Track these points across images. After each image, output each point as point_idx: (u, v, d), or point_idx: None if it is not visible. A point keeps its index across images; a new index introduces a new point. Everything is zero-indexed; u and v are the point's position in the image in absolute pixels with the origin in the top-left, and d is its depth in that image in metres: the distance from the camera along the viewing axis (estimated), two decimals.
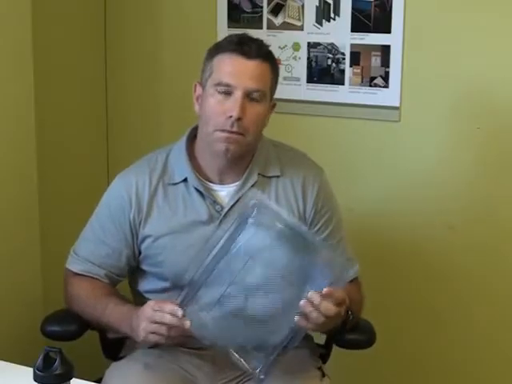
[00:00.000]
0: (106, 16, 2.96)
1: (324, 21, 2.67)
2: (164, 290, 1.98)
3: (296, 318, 1.75)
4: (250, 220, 1.78)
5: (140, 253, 2.01)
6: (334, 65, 2.69)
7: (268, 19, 2.75)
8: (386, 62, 2.61)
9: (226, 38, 2.01)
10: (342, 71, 2.68)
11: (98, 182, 2.71)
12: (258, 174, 2.01)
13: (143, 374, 1.91)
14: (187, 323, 1.75)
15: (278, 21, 2.74)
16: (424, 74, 2.59)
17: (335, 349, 2.13)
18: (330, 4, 2.65)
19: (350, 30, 2.64)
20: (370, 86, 2.64)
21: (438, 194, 2.63)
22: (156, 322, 1.77)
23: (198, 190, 1.97)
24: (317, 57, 2.71)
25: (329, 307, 1.74)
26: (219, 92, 1.90)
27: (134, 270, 2.06)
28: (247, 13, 2.77)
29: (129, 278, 2.10)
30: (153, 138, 2.92)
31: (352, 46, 2.65)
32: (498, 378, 2.65)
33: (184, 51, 2.87)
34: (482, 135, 2.55)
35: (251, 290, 1.79)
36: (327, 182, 2.10)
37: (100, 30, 2.96)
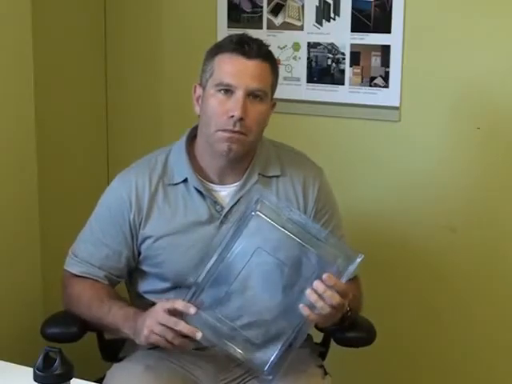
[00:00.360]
0: (105, 16, 2.96)
1: (324, 21, 2.67)
2: (164, 291, 1.97)
3: (300, 306, 1.76)
4: (254, 213, 1.79)
5: (140, 253, 2.01)
6: (333, 65, 2.69)
7: (268, 19, 2.75)
8: (386, 62, 2.61)
9: (225, 38, 2.01)
10: (342, 71, 2.68)
11: (98, 182, 2.71)
12: (259, 173, 2.01)
13: (144, 375, 1.91)
14: (199, 334, 1.76)
15: (277, 21, 2.74)
16: (424, 74, 2.59)
17: (336, 346, 2.13)
18: (329, 4, 2.65)
19: (349, 29, 2.64)
20: (370, 86, 2.64)
21: (437, 193, 2.63)
22: (166, 326, 1.77)
23: (198, 191, 1.97)
24: (317, 57, 2.71)
25: (334, 295, 1.75)
26: (220, 92, 1.91)
27: (133, 271, 2.05)
28: (247, 13, 2.77)
29: (127, 279, 2.09)
30: (153, 138, 2.92)
31: (352, 45, 2.65)
32: (498, 377, 2.66)
33: (184, 51, 2.87)
34: (481, 135, 2.55)
35: (256, 284, 1.81)
36: (327, 181, 2.11)
37: (100, 30, 2.96)
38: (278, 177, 2.03)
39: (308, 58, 2.72)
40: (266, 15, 2.75)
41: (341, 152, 2.73)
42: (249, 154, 1.99)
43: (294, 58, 2.74)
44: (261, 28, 2.75)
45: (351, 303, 1.89)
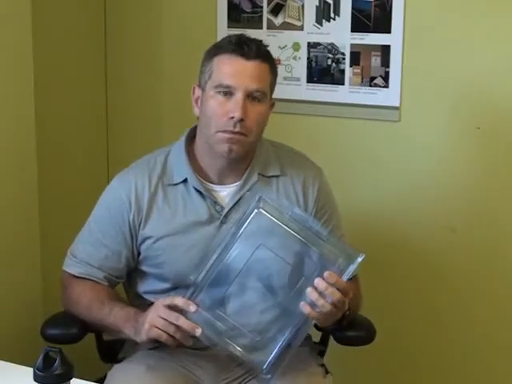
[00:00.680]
0: (105, 16, 2.96)
1: (324, 21, 2.67)
2: (164, 291, 1.97)
3: (301, 303, 1.76)
4: (256, 211, 1.80)
5: (139, 254, 2.01)
6: (333, 65, 2.69)
7: (268, 19, 2.75)
8: (386, 62, 2.61)
9: (224, 39, 2.00)
10: (342, 71, 2.68)
11: (98, 182, 2.70)
12: (258, 173, 2.01)
13: (146, 375, 1.91)
14: (198, 331, 1.76)
15: (278, 21, 2.74)
16: (424, 74, 2.59)
17: (335, 345, 2.14)
18: (329, 4, 2.65)
19: (349, 29, 2.64)
20: (370, 86, 2.64)
21: (437, 193, 2.63)
22: (167, 321, 1.78)
23: (198, 191, 1.97)
24: (317, 57, 2.71)
25: (335, 292, 1.76)
26: (220, 93, 1.91)
27: (132, 272, 2.05)
28: (247, 13, 2.77)
29: (126, 279, 2.09)
30: (153, 138, 2.92)
31: (352, 45, 2.65)
32: (498, 377, 2.66)
33: (184, 51, 2.87)
34: (481, 135, 2.55)
35: (256, 282, 1.82)
36: (327, 181, 2.11)
37: (100, 29, 2.96)
38: (277, 177, 2.03)
39: (308, 58, 2.72)
40: (265, 15, 2.75)
41: (341, 152, 2.73)
42: (248, 155, 2.00)
43: (294, 58, 2.74)
44: (261, 28, 2.75)
45: (351, 303, 1.89)
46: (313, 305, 1.77)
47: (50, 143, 2.68)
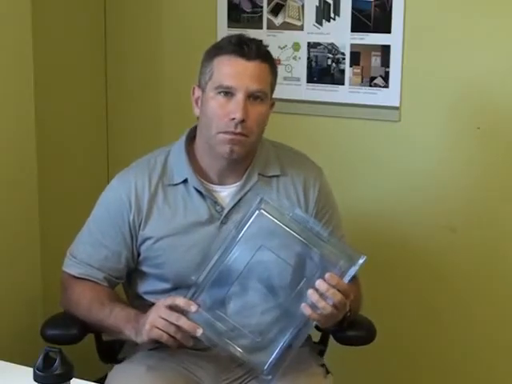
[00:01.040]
0: (105, 16, 2.96)
1: (324, 21, 2.67)
2: (164, 292, 1.97)
3: (302, 305, 1.76)
4: (258, 211, 1.80)
5: (139, 254, 2.01)
6: (333, 65, 2.69)
7: (268, 19, 2.75)
8: (386, 62, 2.61)
9: (223, 39, 2.00)
10: (342, 71, 2.68)
11: (98, 182, 2.70)
12: (258, 174, 2.01)
13: (147, 375, 1.91)
14: (199, 331, 1.76)
15: (278, 21, 2.74)
16: (424, 74, 2.59)
17: (336, 345, 2.14)
18: (329, 4, 2.65)
19: (349, 29, 2.64)
20: (370, 86, 2.64)
21: (437, 193, 2.63)
22: (167, 321, 1.78)
23: (198, 191, 1.97)
24: (317, 57, 2.71)
25: (336, 294, 1.76)
26: (220, 94, 1.90)
27: (132, 272, 2.05)
28: (247, 13, 2.77)
29: (125, 280, 2.08)
30: (153, 138, 2.92)
31: (352, 45, 2.65)
32: (498, 377, 2.66)
33: (184, 51, 2.87)
34: (481, 135, 2.55)
35: (257, 283, 1.82)
36: (327, 182, 2.11)
37: (100, 30, 2.96)
38: (278, 177, 2.03)
39: (308, 58, 2.72)
40: (265, 15, 2.75)
41: (341, 152, 2.73)
42: (249, 155, 1.99)
43: (294, 58, 2.74)
44: (261, 28, 2.75)
45: (351, 304, 1.89)
46: (314, 306, 1.77)
47: (50, 143, 2.68)
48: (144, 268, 2.02)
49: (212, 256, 1.82)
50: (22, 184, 2.46)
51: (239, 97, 1.89)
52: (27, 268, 2.49)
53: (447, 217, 2.62)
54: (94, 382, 1.72)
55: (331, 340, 2.15)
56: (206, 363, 1.97)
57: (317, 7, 2.68)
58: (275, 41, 2.70)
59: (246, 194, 1.97)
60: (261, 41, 1.98)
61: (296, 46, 2.73)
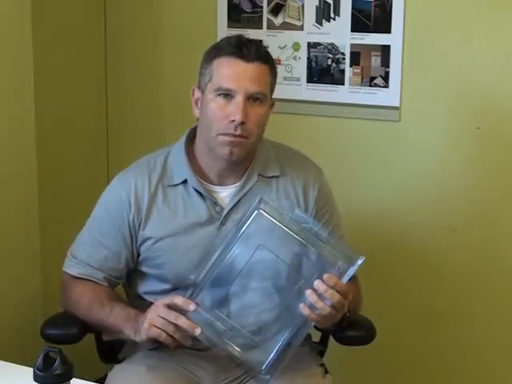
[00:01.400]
0: (105, 16, 2.96)
1: (324, 21, 2.67)
2: (164, 292, 1.97)
3: (301, 305, 1.77)
4: (257, 211, 1.80)
5: (139, 255, 2.01)
6: (333, 65, 2.69)
7: (268, 19, 2.75)
8: (386, 62, 2.61)
9: (222, 41, 1.99)
10: (342, 71, 2.68)
11: (97, 182, 2.70)
12: (258, 174, 2.01)
13: (147, 375, 1.91)
14: (198, 330, 1.76)
15: (278, 21, 2.74)
16: (424, 74, 2.59)
17: (335, 345, 2.14)
18: (329, 4, 2.65)
19: (350, 29, 2.64)
20: (370, 86, 2.64)
21: (437, 193, 2.63)
22: (166, 320, 1.78)
23: (198, 192, 1.97)
24: (317, 57, 2.71)
25: (334, 294, 1.76)
26: (220, 96, 1.90)
27: (132, 272, 2.05)
28: (247, 13, 2.77)
29: (125, 280, 2.08)
30: (153, 138, 2.92)
31: (352, 45, 2.65)
32: (498, 377, 2.66)
33: (184, 51, 2.87)
34: (481, 135, 2.55)
35: (256, 283, 1.83)
36: (327, 182, 2.11)
37: (100, 30, 2.96)
38: (277, 177, 2.03)
39: (308, 58, 2.72)
40: (265, 15, 2.75)
41: (341, 152, 2.73)
42: (249, 156, 1.99)
43: (294, 58, 2.74)
44: (261, 28, 2.75)
45: (350, 304, 1.89)
46: (312, 307, 1.77)
47: (50, 143, 2.68)
48: (144, 268, 2.02)
49: (211, 256, 1.82)
50: (22, 184, 2.46)
51: (239, 99, 1.88)
52: (27, 267, 2.49)
53: (447, 217, 2.62)
54: (94, 382, 1.72)
55: (331, 340, 2.15)
56: (206, 363, 1.97)
57: (317, 7, 2.68)
58: (275, 41, 2.70)
59: (245, 194, 1.97)
60: (260, 42, 1.98)
61: (296, 46, 2.73)
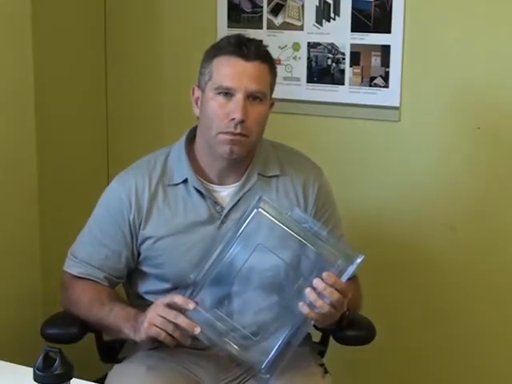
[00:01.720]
0: (105, 16, 2.96)
1: (324, 21, 2.67)
2: (164, 291, 1.96)
3: (300, 304, 1.76)
4: (256, 210, 1.80)
5: (139, 254, 2.01)
6: (333, 65, 2.69)
7: (268, 19, 2.75)
8: (386, 62, 2.61)
9: (222, 40, 2.00)
10: (342, 71, 2.68)
11: (98, 182, 2.70)
12: (258, 174, 2.01)
13: (147, 375, 1.91)
14: (197, 329, 1.76)
15: (278, 21, 2.74)
16: (424, 74, 2.59)
17: (335, 345, 2.14)
18: (329, 4, 2.65)
19: (350, 29, 2.64)
20: (370, 86, 2.65)
21: (437, 193, 2.63)
22: (166, 319, 1.78)
23: (198, 191, 1.97)
24: (317, 57, 2.71)
25: (333, 292, 1.76)
26: (220, 95, 1.91)
27: (133, 272, 2.05)
28: (247, 13, 2.77)
29: (126, 279, 2.08)
30: (153, 138, 2.92)
31: (352, 45, 2.65)
32: (499, 377, 2.65)
33: (184, 51, 2.87)
34: (481, 135, 2.55)
35: (255, 282, 1.83)
36: (327, 181, 2.11)
37: (100, 30, 2.96)
38: (277, 176, 2.03)
39: (308, 58, 2.72)
40: (265, 15, 2.75)
41: (341, 152, 2.73)
42: (249, 155, 2.00)
43: (294, 58, 2.74)
44: (261, 28, 2.75)
45: (350, 303, 1.89)
46: (311, 305, 1.77)
47: (50, 143, 2.68)
48: (144, 268, 2.02)
49: (210, 255, 1.82)
50: (22, 184, 2.46)
51: (239, 97, 1.89)
52: (27, 268, 2.49)
53: (447, 216, 2.62)
54: (94, 382, 1.72)
55: (331, 340, 2.15)
56: (206, 363, 1.97)
57: (317, 7, 2.68)
58: (275, 41, 2.70)
59: (245, 193, 1.97)
60: (260, 41, 1.99)
61: (296, 46, 2.73)
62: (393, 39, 2.59)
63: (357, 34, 2.63)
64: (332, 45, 2.68)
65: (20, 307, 2.46)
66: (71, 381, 1.39)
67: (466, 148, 2.59)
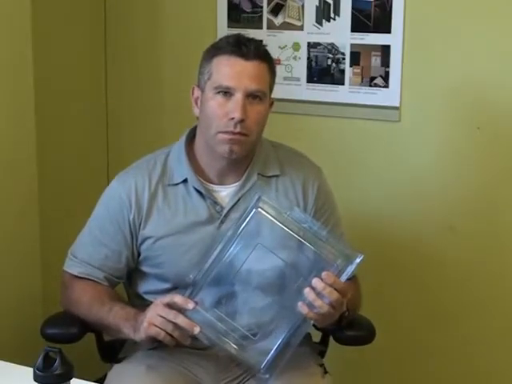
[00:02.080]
0: (105, 16, 2.96)
1: (324, 21, 2.67)
2: (164, 291, 1.97)
3: (299, 304, 1.77)
4: (255, 210, 1.80)
5: (139, 254, 2.01)
6: (333, 65, 2.69)
7: (268, 19, 2.75)
8: (386, 62, 2.61)
9: (222, 40, 2.00)
10: (342, 71, 2.68)
11: (97, 182, 2.71)
12: (258, 173, 2.01)
13: (147, 375, 1.91)
14: (196, 329, 1.76)
15: (278, 21, 2.74)
16: (424, 74, 2.59)
17: (335, 345, 2.14)
18: (329, 4, 2.65)
19: (350, 29, 2.64)
20: (370, 86, 2.65)
21: (437, 193, 2.63)
22: (165, 319, 1.78)
23: (198, 191, 1.98)
24: (317, 57, 2.71)
25: (332, 292, 1.76)
26: (219, 94, 1.91)
27: (133, 272, 2.05)
28: (247, 13, 2.77)
29: (126, 279, 2.09)
30: (153, 138, 2.92)
31: (352, 45, 2.65)
32: (499, 375, 2.65)
33: (184, 51, 2.87)
34: (481, 135, 2.55)
35: (255, 282, 1.83)
36: (326, 181, 2.11)
37: (100, 30, 2.96)
38: (277, 176, 2.04)
39: (308, 58, 2.72)
40: (265, 15, 2.75)
41: (341, 152, 2.73)
42: (248, 155, 2.00)
43: (294, 58, 2.74)
44: (261, 28, 2.75)
45: (349, 303, 1.89)
46: (310, 305, 1.77)
47: (50, 143, 2.68)
48: (144, 268, 2.02)
49: (210, 255, 1.82)
50: (21, 184, 2.46)
51: (238, 96, 1.89)
52: (27, 268, 2.49)
53: (447, 216, 2.62)
54: (94, 382, 1.72)
55: (331, 340, 2.15)
56: (206, 362, 1.97)
57: (317, 7, 2.68)
58: (275, 41, 2.70)
59: (245, 193, 1.97)
60: (259, 41, 1.99)
61: (296, 46, 2.73)
62: (393, 39, 2.59)
63: (357, 34, 2.63)
64: (332, 45, 2.68)
65: (20, 307, 2.46)
66: (71, 381, 1.39)
67: (466, 148, 2.59)
